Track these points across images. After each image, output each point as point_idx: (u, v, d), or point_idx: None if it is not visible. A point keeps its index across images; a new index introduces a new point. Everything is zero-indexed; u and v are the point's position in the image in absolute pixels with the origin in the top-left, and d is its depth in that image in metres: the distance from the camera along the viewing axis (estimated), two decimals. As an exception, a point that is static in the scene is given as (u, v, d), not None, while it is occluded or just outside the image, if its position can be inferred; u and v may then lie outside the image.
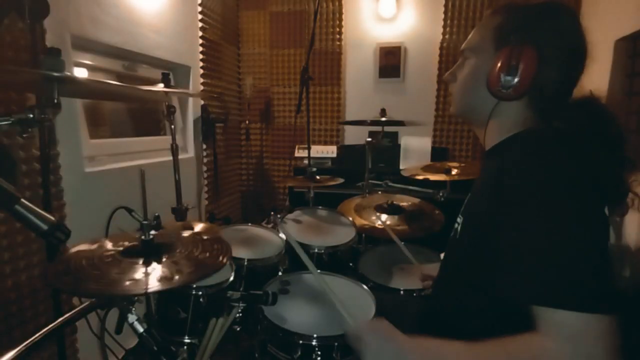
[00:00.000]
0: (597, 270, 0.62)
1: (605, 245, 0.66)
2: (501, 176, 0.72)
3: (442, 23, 3.07)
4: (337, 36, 3.28)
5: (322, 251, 1.63)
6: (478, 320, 0.80)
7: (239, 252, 1.54)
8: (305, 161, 2.76)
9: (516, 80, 0.78)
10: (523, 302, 0.64)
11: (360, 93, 3.37)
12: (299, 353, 1.14)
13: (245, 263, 1.50)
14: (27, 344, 0.75)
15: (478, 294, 0.79)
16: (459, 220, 0.93)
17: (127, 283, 0.81)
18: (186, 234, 1.13)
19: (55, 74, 0.87)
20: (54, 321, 0.83)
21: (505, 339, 0.64)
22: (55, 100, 0.91)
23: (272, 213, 2.24)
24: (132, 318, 0.87)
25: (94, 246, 0.99)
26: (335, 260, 1.66)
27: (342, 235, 1.74)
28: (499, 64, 0.79)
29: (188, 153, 2.79)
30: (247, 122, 3.41)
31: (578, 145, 0.70)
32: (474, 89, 0.86)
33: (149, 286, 0.81)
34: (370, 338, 0.75)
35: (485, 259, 0.75)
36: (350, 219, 1.88)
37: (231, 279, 1.39)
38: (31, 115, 0.89)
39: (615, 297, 0.62)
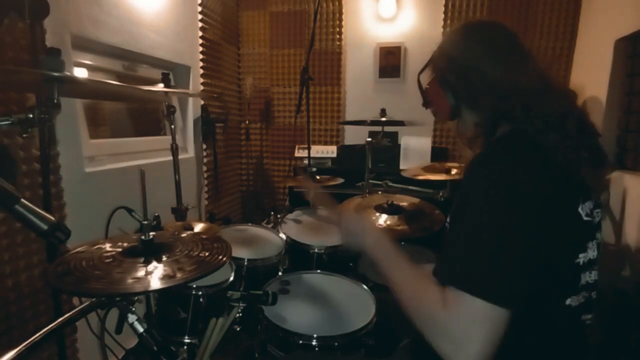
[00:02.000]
0: (500, 266, 0.67)
1: (533, 242, 0.68)
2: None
3: (442, 23, 3.08)
4: (337, 36, 3.28)
5: (322, 251, 1.63)
6: None
7: (239, 252, 1.54)
8: (305, 161, 2.76)
9: (436, 107, 0.95)
10: (442, 283, 0.71)
11: (360, 93, 3.37)
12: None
13: (245, 263, 1.50)
14: (27, 344, 0.75)
15: None
16: (448, 219, 0.96)
17: (130, 281, 0.81)
18: (185, 234, 1.13)
19: (55, 74, 0.87)
20: (54, 321, 0.83)
21: (424, 279, 0.75)
22: (55, 100, 0.91)
23: (272, 213, 2.24)
24: (132, 318, 0.87)
25: (94, 247, 0.99)
26: (335, 260, 1.66)
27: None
28: (424, 105, 1.01)
29: (188, 153, 2.79)
30: (247, 122, 3.41)
31: (523, 153, 0.74)
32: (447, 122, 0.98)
33: (151, 284, 0.81)
34: (350, 215, 0.96)
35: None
36: (350, 219, 1.88)
37: (231, 279, 1.39)
38: (31, 115, 0.89)
39: (514, 296, 0.66)
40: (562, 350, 0.78)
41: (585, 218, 0.76)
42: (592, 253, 0.78)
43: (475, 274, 0.67)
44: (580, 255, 0.76)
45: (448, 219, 0.95)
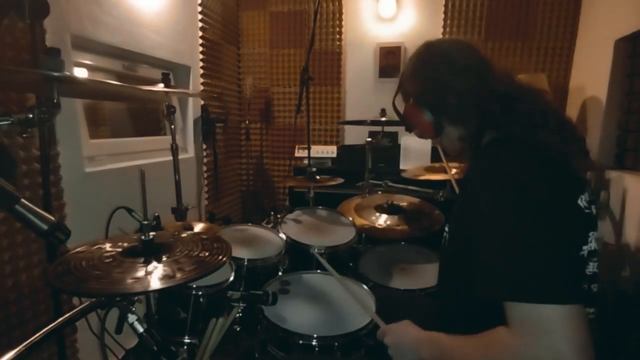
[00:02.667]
0: (549, 264, 0.64)
1: (561, 239, 0.68)
2: (467, 186, 0.81)
3: (442, 23, 3.08)
4: (337, 36, 3.28)
5: (322, 251, 1.63)
6: (480, 321, 0.81)
7: (239, 252, 1.54)
8: (305, 161, 2.75)
9: (417, 129, 0.98)
10: (489, 300, 0.68)
11: (360, 93, 3.37)
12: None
13: (245, 263, 1.50)
14: (27, 344, 0.75)
15: (472, 297, 0.80)
16: (446, 228, 0.97)
17: (130, 281, 0.81)
18: (185, 234, 1.13)
19: (55, 74, 0.87)
20: (54, 321, 0.83)
21: (483, 334, 0.70)
22: (55, 100, 0.91)
23: (272, 213, 2.24)
24: (132, 318, 0.87)
25: (94, 247, 0.99)
26: (335, 260, 1.66)
27: (342, 235, 1.74)
28: (407, 129, 1.02)
29: (188, 153, 2.78)
30: (247, 122, 3.41)
31: (520, 154, 0.75)
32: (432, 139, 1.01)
33: (151, 284, 0.81)
34: (390, 337, 0.90)
35: (466, 264, 0.79)
36: (350, 219, 1.88)
37: (231, 279, 1.39)
38: (31, 115, 0.89)
39: (574, 287, 0.65)
40: None
41: (585, 210, 0.77)
42: (592, 244, 0.78)
43: (531, 280, 0.64)
44: (584, 247, 0.77)
45: (447, 228, 0.96)
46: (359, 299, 1.18)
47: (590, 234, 0.78)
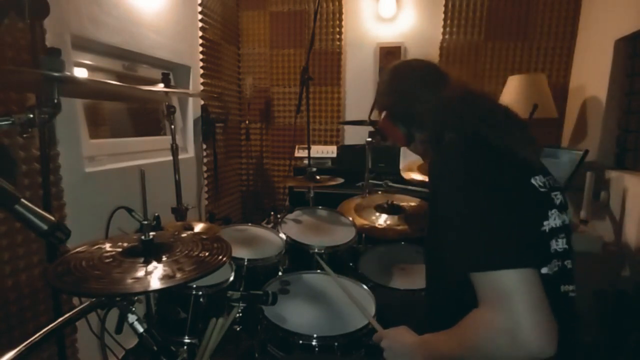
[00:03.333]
0: (497, 234, 0.72)
1: (509, 212, 0.75)
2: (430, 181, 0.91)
3: (442, 23, 3.08)
4: (337, 36, 3.28)
5: (322, 251, 1.63)
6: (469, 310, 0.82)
7: (239, 252, 1.54)
8: (305, 161, 2.75)
9: (392, 138, 1.08)
10: (459, 273, 0.76)
11: (360, 93, 3.37)
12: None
13: (245, 263, 1.50)
14: (27, 344, 0.75)
15: (458, 288, 0.82)
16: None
17: (130, 281, 0.81)
18: (185, 234, 1.13)
19: (55, 74, 0.87)
20: (54, 321, 0.83)
21: (461, 321, 0.76)
22: (55, 100, 0.91)
23: (272, 213, 2.24)
24: (132, 318, 0.87)
25: (94, 247, 0.99)
26: (335, 260, 1.66)
27: (342, 235, 1.74)
28: (382, 139, 1.12)
29: (188, 153, 2.79)
30: (247, 122, 3.41)
31: (466, 151, 0.84)
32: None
33: (151, 284, 0.81)
34: (386, 341, 0.94)
35: (438, 249, 0.92)
36: (350, 219, 1.88)
37: (231, 279, 1.39)
38: (31, 115, 0.89)
39: (523, 253, 0.70)
40: None
41: (540, 189, 0.84)
42: (553, 222, 0.83)
43: (483, 251, 0.71)
44: (544, 223, 0.82)
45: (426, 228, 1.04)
46: (358, 303, 1.19)
47: (550, 211, 0.83)
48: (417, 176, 1.94)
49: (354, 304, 1.20)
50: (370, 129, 3.07)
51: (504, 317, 0.66)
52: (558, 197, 0.86)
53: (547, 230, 0.82)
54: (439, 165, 0.86)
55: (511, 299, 0.66)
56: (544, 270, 0.79)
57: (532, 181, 0.83)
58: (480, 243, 0.73)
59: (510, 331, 0.65)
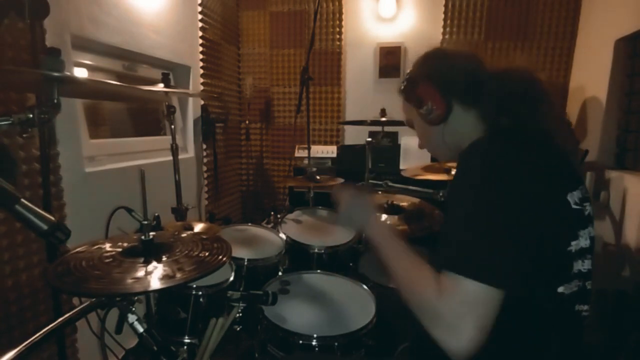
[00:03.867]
0: (493, 249, 0.68)
1: (521, 227, 0.70)
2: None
3: (442, 23, 3.08)
4: (337, 36, 3.28)
5: (322, 251, 1.63)
6: None
7: (239, 252, 1.54)
8: (305, 161, 2.75)
9: (430, 103, 0.92)
10: (438, 268, 0.73)
11: (360, 93, 3.37)
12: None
13: (245, 263, 1.50)
14: (27, 344, 0.75)
15: None
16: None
17: (130, 281, 0.81)
18: (185, 234, 1.13)
19: (55, 74, 0.87)
20: (54, 321, 0.83)
21: (421, 262, 0.77)
22: (55, 100, 0.91)
23: (272, 213, 2.24)
24: (132, 318, 0.87)
25: (94, 247, 0.99)
26: (335, 260, 1.66)
27: (342, 235, 1.74)
28: (416, 107, 0.96)
29: (188, 153, 2.79)
30: (247, 122, 3.41)
31: (504, 147, 0.78)
32: (432, 135, 0.98)
33: (151, 284, 0.81)
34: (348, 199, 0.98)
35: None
36: (350, 219, 1.88)
37: (231, 279, 1.39)
38: (31, 115, 0.89)
39: (508, 273, 0.67)
40: (557, 339, 0.78)
41: (574, 206, 0.78)
42: (583, 242, 0.79)
43: (467, 257, 0.69)
44: (572, 243, 0.77)
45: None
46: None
47: (581, 231, 0.79)
48: (430, 177, 1.91)
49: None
50: (370, 128, 3.07)
51: (453, 316, 0.66)
52: (587, 209, 0.81)
53: (573, 251, 0.77)
54: (471, 159, 0.80)
55: (469, 308, 0.66)
56: (561, 289, 0.76)
57: (569, 197, 0.78)
58: (470, 246, 0.70)
59: (448, 326, 0.66)
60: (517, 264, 0.68)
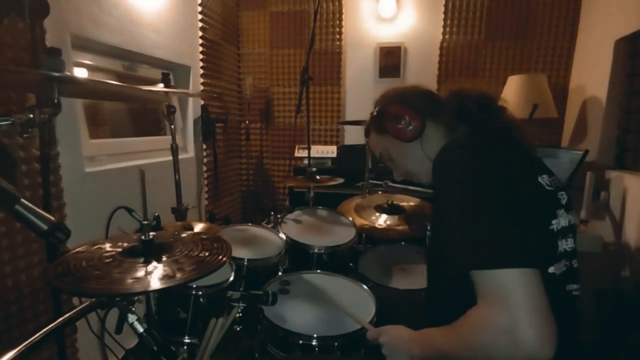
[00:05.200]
0: (500, 232, 0.71)
1: (515, 210, 0.74)
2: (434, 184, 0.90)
3: (442, 23, 3.08)
4: (337, 36, 3.28)
5: (322, 251, 1.63)
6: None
7: (239, 252, 1.54)
8: (305, 161, 2.75)
9: (407, 117, 0.98)
10: (461, 272, 0.74)
11: (360, 93, 3.37)
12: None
13: (245, 263, 1.50)
14: (27, 344, 0.75)
15: (462, 294, 0.81)
16: (428, 227, 1.05)
17: (130, 281, 0.81)
18: (185, 234, 1.13)
19: (56, 74, 0.87)
20: (54, 321, 0.83)
21: (460, 318, 0.75)
22: (55, 100, 0.91)
23: (272, 213, 2.24)
24: (132, 318, 0.87)
25: (94, 247, 0.99)
26: (335, 260, 1.66)
27: (342, 235, 1.74)
28: (393, 126, 1.00)
29: (188, 153, 2.79)
30: (247, 122, 3.41)
31: (472, 144, 0.85)
32: (412, 153, 1.02)
33: (151, 284, 0.81)
34: (385, 338, 0.95)
35: (441, 248, 0.92)
36: (350, 219, 1.88)
37: (231, 279, 1.39)
38: (31, 115, 0.89)
39: (527, 253, 0.69)
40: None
41: (547, 187, 0.83)
42: (563, 221, 0.83)
43: (487, 249, 0.70)
44: (553, 222, 0.81)
45: (429, 228, 1.04)
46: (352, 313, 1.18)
47: (559, 211, 0.83)
48: None
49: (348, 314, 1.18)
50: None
51: (504, 316, 0.65)
52: (564, 197, 0.86)
53: (555, 230, 0.81)
54: (447, 159, 0.85)
55: (511, 299, 0.65)
56: (551, 269, 0.79)
57: (540, 180, 0.83)
58: (482, 240, 0.71)
59: (509, 330, 0.64)
60: (529, 242, 0.71)
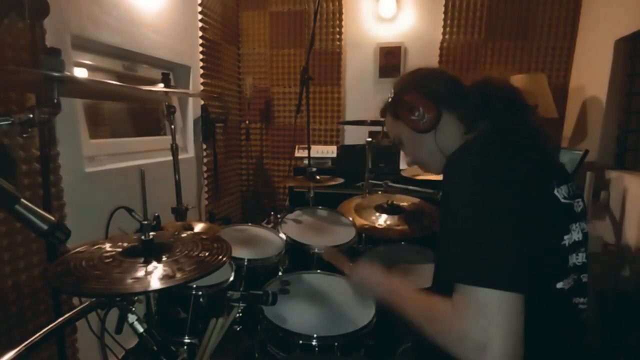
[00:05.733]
0: (496, 251, 0.68)
1: (519, 228, 0.70)
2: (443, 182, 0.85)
3: (442, 23, 3.08)
4: (337, 36, 3.28)
5: (322, 251, 1.63)
6: None
7: (239, 252, 1.54)
8: (305, 161, 2.75)
9: (421, 109, 0.94)
10: (452, 281, 0.71)
11: (360, 93, 3.37)
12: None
13: (245, 263, 1.50)
14: (27, 344, 0.75)
15: None
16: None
17: (130, 281, 0.81)
18: (185, 234, 1.13)
19: (55, 74, 0.87)
20: (54, 321, 0.82)
21: (432, 296, 0.74)
22: (55, 100, 0.91)
23: (272, 213, 2.24)
24: (132, 318, 0.87)
25: (94, 247, 0.99)
26: (335, 260, 1.65)
27: (342, 235, 1.74)
28: (407, 116, 0.96)
29: (188, 153, 2.79)
30: (247, 122, 3.41)
31: (491, 150, 0.80)
32: (425, 144, 0.98)
33: (151, 284, 0.81)
34: (354, 280, 1.01)
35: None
36: (351, 219, 1.88)
37: (231, 279, 1.39)
38: (31, 115, 0.88)
39: (518, 276, 0.66)
40: (559, 334, 0.78)
41: (563, 200, 0.79)
42: (576, 235, 0.80)
43: (478, 266, 0.67)
44: (565, 237, 0.78)
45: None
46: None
47: (572, 225, 0.80)
48: (430, 177, 1.91)
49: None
50: (370, 128, 3.07)
51: (478, 334, 0.63)
52: (579, 205, 0.83)
53: (567, 245, 0.78)
54: (461, 166, 0.80)
55: (487, 318, 0.64)
56: (559, 284, 0.77)
57: (556, 192, 0.79)
58: (476, 254, 0.69)
59: (479, 349, 0.63)
60: (524, 265, 0.68)
